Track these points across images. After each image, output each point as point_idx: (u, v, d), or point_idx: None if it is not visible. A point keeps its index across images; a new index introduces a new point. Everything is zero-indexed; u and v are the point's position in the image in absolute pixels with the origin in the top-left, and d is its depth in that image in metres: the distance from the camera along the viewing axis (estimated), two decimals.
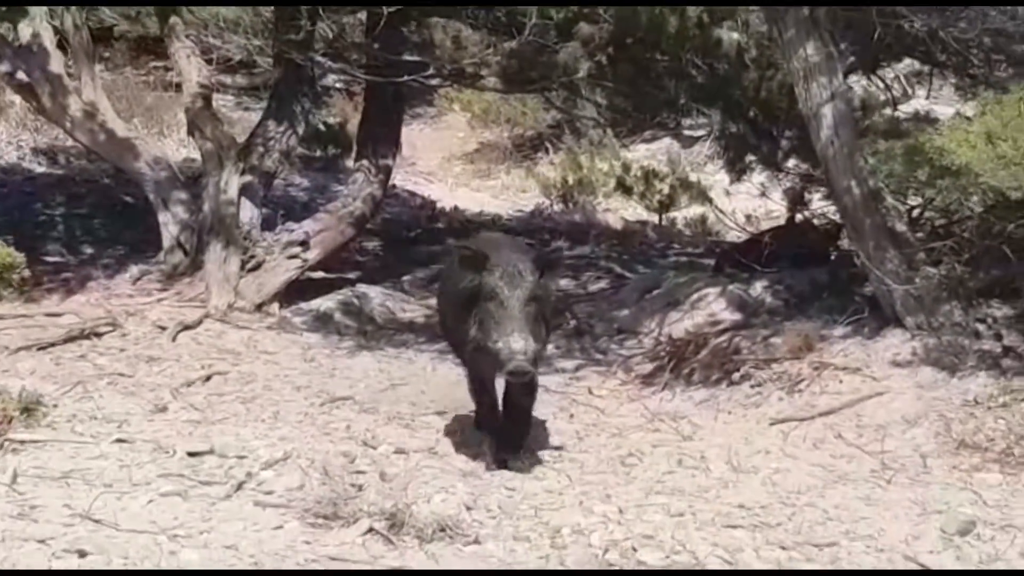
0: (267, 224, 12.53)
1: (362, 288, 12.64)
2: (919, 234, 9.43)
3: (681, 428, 8.57)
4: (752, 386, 9.33)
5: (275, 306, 11.82)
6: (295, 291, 12.15)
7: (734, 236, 14.55)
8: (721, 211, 14.57)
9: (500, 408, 7.76)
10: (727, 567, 5.88)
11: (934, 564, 5.97)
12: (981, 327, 8.72)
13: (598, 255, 14.86)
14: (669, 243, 16.31)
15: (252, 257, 11.84)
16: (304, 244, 12.09)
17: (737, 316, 10.66)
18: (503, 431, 7.71)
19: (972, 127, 8.18)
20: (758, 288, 10.90)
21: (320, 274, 12.78)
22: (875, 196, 9.07)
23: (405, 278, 13.52)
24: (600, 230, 16.77)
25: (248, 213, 12.08)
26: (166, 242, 12.32)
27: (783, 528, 6.51)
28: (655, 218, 17.88)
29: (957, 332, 8.73)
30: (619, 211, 18.41)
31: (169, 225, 12.30)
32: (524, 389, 7.45)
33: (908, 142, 8.79)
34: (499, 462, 7.48)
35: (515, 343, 6.81)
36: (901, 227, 9.17)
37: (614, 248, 15.50)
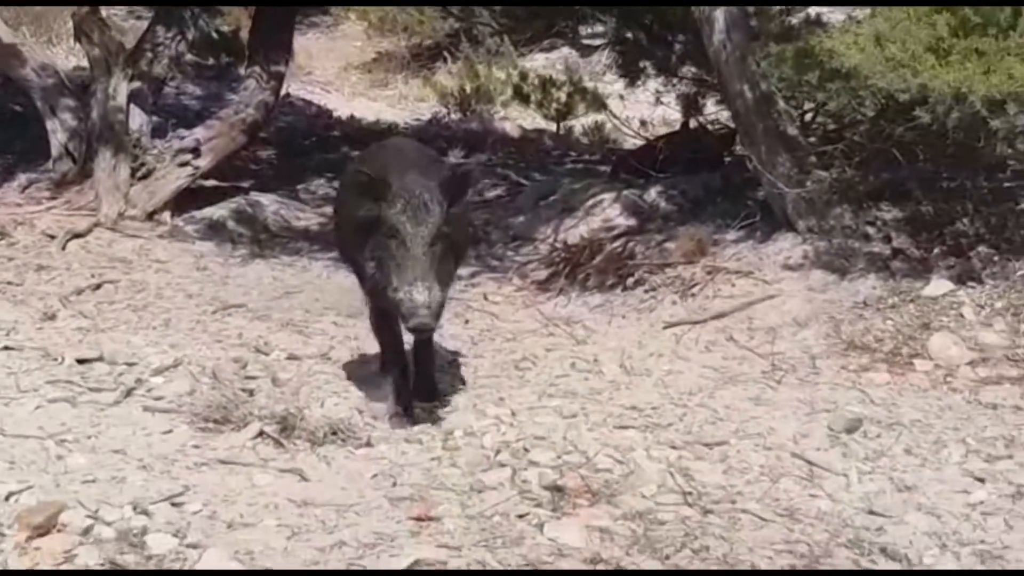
0: (159, 132, 12.30)
1: (256, 196, 12.50)
2: (811, 138, 9.49)
3: (575, 332, 8.59)
4: (646, 291, 9.36)
5: (167, 214, 11.66)
6: (187, 199, 11.97)
7: (631, 144, 14.53)
8: (617, 118, 14.54)
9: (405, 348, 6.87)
10: (618, 466, 5.92)
11: (821, 461, 6.06)
12: (871, 230, 8.81)
13: (494, 163, 14.80)
14: (566, 151, 16.27)
15: (142, 165, 11.64)
16: (195, 151, 11.91)
17: (632, 221, 10.68)
18: (414, 377, 6.86)
19: (862, 30, 8.22)
20: (652, 193, 10.92)
21: (213, 182, 12.59)
22: (767, 100, 9.10)
23: (300, 186, 13.39)
24: (497, 138, 16.68)
25: (138, 120, 11.86)
26: (55, 150, 12.08)
27: (674, 428, 6.57)
28: (552, 126, 17.83)
29: (847, 235, 8.82)
30: (517, 120, 18.33)
31: (57, 133, 12.07)
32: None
33: (799, 45, 8.82)
34: (405, 410, 6.58)
35: (417, 294, 5.96)
36: (793, 131, 9.21)
37: (511, 156, 15.44)
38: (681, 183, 10.94)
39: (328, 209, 11.72)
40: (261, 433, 6.07)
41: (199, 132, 12.23)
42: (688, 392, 7.13)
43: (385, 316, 6.69)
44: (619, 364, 7.69)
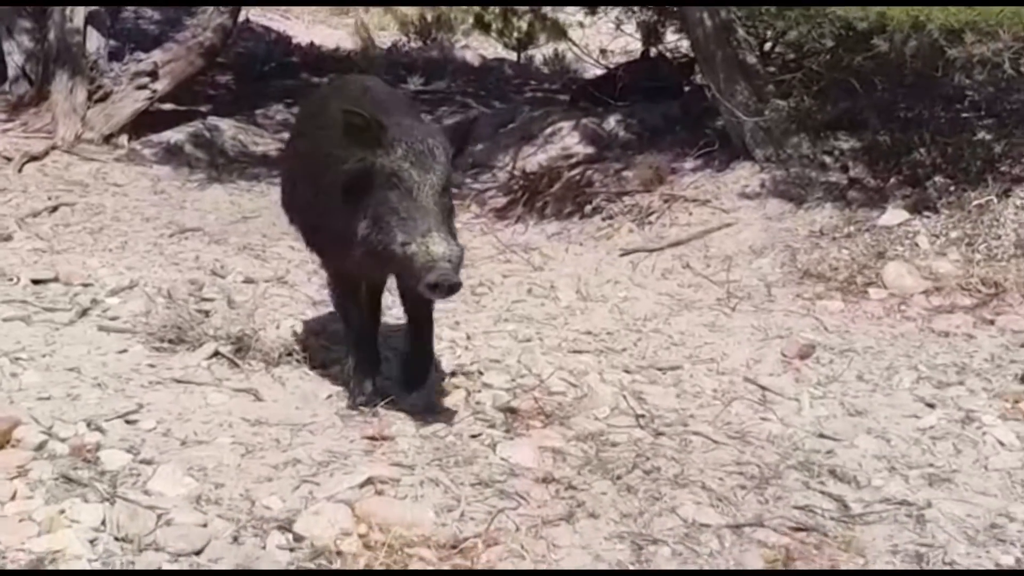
0: (116, 55, 12.25)
1: (214, 121, 12.46)
2: (770, 67, 9.50)
3: (532, 259, 8.62)
4: (603, 218, 9.40)
5: (124, 138, 11.62)
6: (144, 123, 11.93)
7: (591, 73, 14.51)
8: (577, 46, 14.50)
9: (374, 326, 6.09)
10: (571, 389, 5.95)
11: (773, 386, 6.11)
12: (828, 159, 8.85)
13: (454, 91, 14.75)
14: (526, 80, 16.25)
15: (99, 88, 11.58)
16: (153, 75, 11.84)
17: (590, 150, 10.69)
18: (409, 361, 5.86)
19: None
20: (611, 122, 10.93)
21: (170, 106, 12.55)
22: (726, 28, 9.09)
23: (258, 112, 13.34)
24: (457, 66, 16.64)
25: (95, 43, 11.77)
26: (11, 72, 12.00)
27: (628, 353, 6.61)
28: (513, 55, 17.77)
29: (804, 164, 8.86)
30: (477, 48, 18.27)
31: (14, 55, 11.97)
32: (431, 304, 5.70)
33: None
34: (368, 402, 5.64)
35: (435, 245, 4.91)
36: (752, 60, 9.23)
37: (471, 84, 15.41)
38: (640, 112, 10.95)
39: (287, 135, 11.67)
40: (216, 353, 6.05)
41: (156, 55, 12.15)
42: (643, 318, 7.17)
43: (354, 292, 5.82)
44: (575, 290, 7.71)
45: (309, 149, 5.72)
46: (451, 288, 4.94)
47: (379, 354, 5.92)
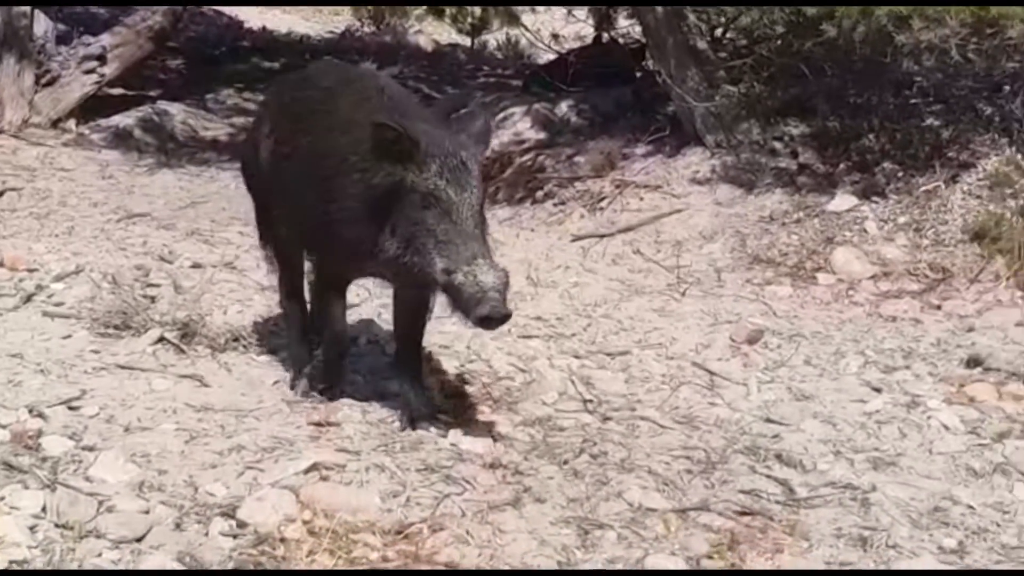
0: (65, 40, 12.11)
1: (163, 105, 12.37)
2: (721, 53, 9.51)
3: None
4: (555, 204, 9.39)
5: (72, 122, 11.53)
6: (93, 107, 11.83)
7: (544, 58, 14.49)
8: (530, 31, 14.47)
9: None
10: (520, 374, 5.95)
11: (721, 371, 6.14)
12: (778, 145, 8.87)
13: (407, 75, 14.70)
14: (479, 65, 16.22)
15: (47, 72, 11.48)
16: (101, 59, 11.73)
17: (542, 135, 10.67)
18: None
19: None
20: (563, 107, 10.91)
21: (119, 91, 12.45)
22: (678, 14, 9.09)
23: (208, 96, 13.25)
24: (410, 51, 16.60)
25: (43, 26, 11.67)
26: None
27: (578, 338, 6.61)
28: (467, 41, 17.74)
29: (755, 150, 8.88)
30: (431, 34, 18.22)
31: None
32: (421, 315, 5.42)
33: None
34: (325, 389, 5.50)
35: (484, 275, 4.64)
36: (703, 45, 9.23)
37: (424, 69, 15.36)
38: (592, 97, 10.93)
39: (238, 120, 11.66)
40: (161, 339, 6.00)
41: (105, 39, 12.03)
42: (593, 303, 7.16)
43: (341, 290, 5.49)
44: (526, 276, 7.68)
45: (314, 148, 5.30)
46: (503, 319, 4.73)
47: (348, 349, 5.71)
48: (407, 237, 4.81)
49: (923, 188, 8.05)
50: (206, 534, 4.24)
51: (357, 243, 5.00)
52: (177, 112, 12.29)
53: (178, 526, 4.27)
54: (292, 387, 5.58)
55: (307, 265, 5.70)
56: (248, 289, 7.17)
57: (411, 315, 5.45)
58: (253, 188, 6.09)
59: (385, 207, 4.88)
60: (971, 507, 4.82)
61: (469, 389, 5.70)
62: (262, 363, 5.94)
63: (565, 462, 4.99)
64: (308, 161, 5.31)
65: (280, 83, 6.81)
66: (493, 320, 4.68)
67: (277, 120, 5.70)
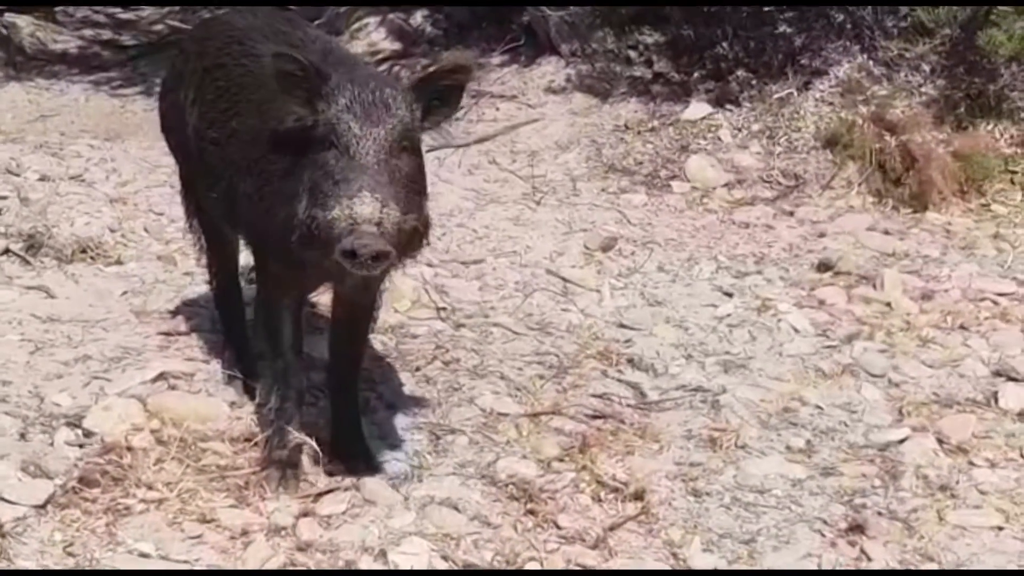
0: None
1: (11, 17, 11.97)
2: None
3: None
4: None
5: None
6: None
7: None
8: None
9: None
10: None
11: (575, 278, 6.16)
12: (633, 54, 8.82)
13: None
14: None
15: None
16: None
17: (397, 45, 10.51)
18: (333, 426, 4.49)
19: None
20: (418, 17, 10.75)
21: None
22: None
23: (57, 9, 12.86)
24: None
25: None
26: None
27: (432, 248, 6.51)
28: None
29: (610, 59, 8.83)
30: None
31: None
32: (365, 299, 4.49)
33: None
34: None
35: (362, 206, 3.73)
36: None
37: None
38: (447, 7, 10.80)
39: (88, 32, 11.39)
40: (7, 251, 5.91)
41: None
42: (448, 213, 7.11)
43: (292, 304, 4.39)
44: None
45: (241, 118, 4.43)
46: (373, 258, 3.69)
47: (292, 360, 4.35)
48: (312, 188, 3.92)
49: (776, 96, 8.09)
50: (51, 444, 4.23)
51: (284, 221, 4.01)
52: (25, 24, 11.87)
53: (23, 436, 4.26)
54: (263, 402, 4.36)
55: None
56: (97, 201, 7.01)
57: (349, 326, 4.56)
58: (175, 149, 5.10)
59: (300, 162, 4.02)
60: (819, 407, 4.91)
61: (320, 298, 5.63)
62: (110, 274, 5.86)
63: (417, 369, 5.00)
64: (236, 136, 4.42)
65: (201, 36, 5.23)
66: (358, 256, 3.67)
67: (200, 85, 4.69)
